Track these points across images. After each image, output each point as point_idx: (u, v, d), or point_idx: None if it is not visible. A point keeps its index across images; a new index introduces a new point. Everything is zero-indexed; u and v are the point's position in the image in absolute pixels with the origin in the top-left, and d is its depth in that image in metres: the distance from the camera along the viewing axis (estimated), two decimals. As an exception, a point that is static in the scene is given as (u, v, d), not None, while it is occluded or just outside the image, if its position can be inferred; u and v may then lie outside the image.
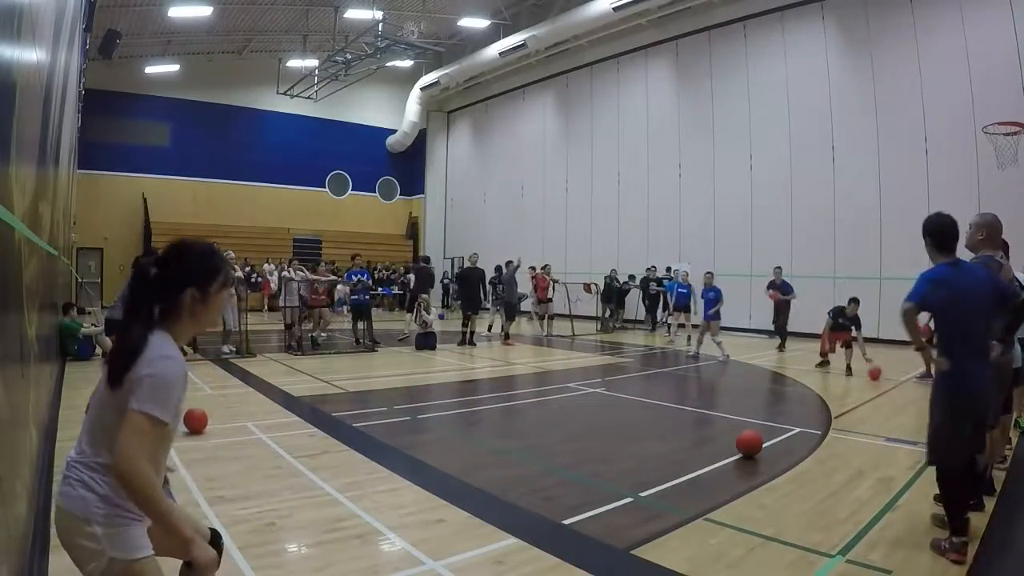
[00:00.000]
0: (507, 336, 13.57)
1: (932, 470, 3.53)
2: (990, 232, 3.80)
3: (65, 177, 8.55)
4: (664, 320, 16.14)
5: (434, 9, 20.03)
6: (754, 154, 15.94)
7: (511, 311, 14.21)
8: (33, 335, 3.70)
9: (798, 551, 3.28)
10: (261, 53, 22.67)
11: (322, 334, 12.36)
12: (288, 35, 21.28)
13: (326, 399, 7.29)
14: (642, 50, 18.85)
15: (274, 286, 18.25)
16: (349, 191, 26.80)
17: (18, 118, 2.41)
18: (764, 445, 5.11)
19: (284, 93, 21.92)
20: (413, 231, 28.07)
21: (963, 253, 3.53)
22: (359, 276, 12.41)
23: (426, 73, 24.29)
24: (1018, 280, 4.25)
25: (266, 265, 20.12)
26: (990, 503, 3.93)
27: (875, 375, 9.00)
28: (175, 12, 16.91)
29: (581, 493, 4.22)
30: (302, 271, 11.63)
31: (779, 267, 12.99)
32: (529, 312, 17.55)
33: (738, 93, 16.29)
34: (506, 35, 20.07)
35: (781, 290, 12.59)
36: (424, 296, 12.92)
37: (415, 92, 25.37)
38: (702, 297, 11.41)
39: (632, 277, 17.85)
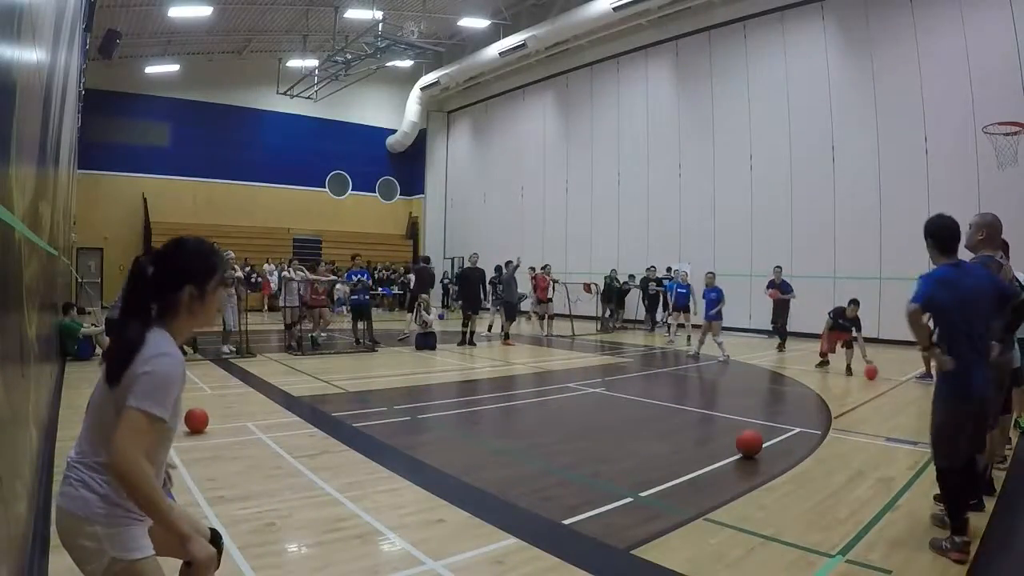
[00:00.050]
0: (507, 336, 13.57)
1: (932, 470, 3.54)
2: (990, 232, 3.80)
3: (65, 177, 8.55)
4: (664, 320, 16.14)
5: (434, 9, 20.02)
6: (754, 154, 15.94)
7: (511, 311, 14.21)
8: (33, 335, 3.70)
9: (798, 551, 3.28)
10: (261, 53, 22.67)
11: (322, 334, 12.36)
12: (288, 35, 21.28)
13: (326, 399, 7.29)
14: (642, 50, 18.85)
15: (274, 286, 18.27)
16: (349, 191, 26.80)
17: (18, 118, 2.41)
18: (764, 445, 5.11)
19: (284, 93, 21.92)
20: (413, 231, 28.07)
21: (963, 253, 3.54)
22: (359, 276, 12.40)
23: (426, 73, 24.28)
24: (1018, 280, 4.26)
25: (266, 265, 20.13)
26: (990, 503, 3.93)
27: (871, 374, 9.02)
28: (175, 12, 16.90)
29: (581, 493, 4.22)
30: (302, 271, 11.63)
31: (779, 266, 13.00)
32: (528, 312, 17.56)
33: (738, 93, 16.29)
34: (506, 35, 20.08)
35: (781, 289, 12.59)
36: (424, 296, 12.92)
37: (415, 92, 25.36)
38: (704, 297, 11.41)
39: (632, 277, 17.85)
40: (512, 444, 5.67)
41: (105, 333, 8.16)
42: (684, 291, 13.60)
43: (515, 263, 14.24)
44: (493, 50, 20.66)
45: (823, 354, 10.02)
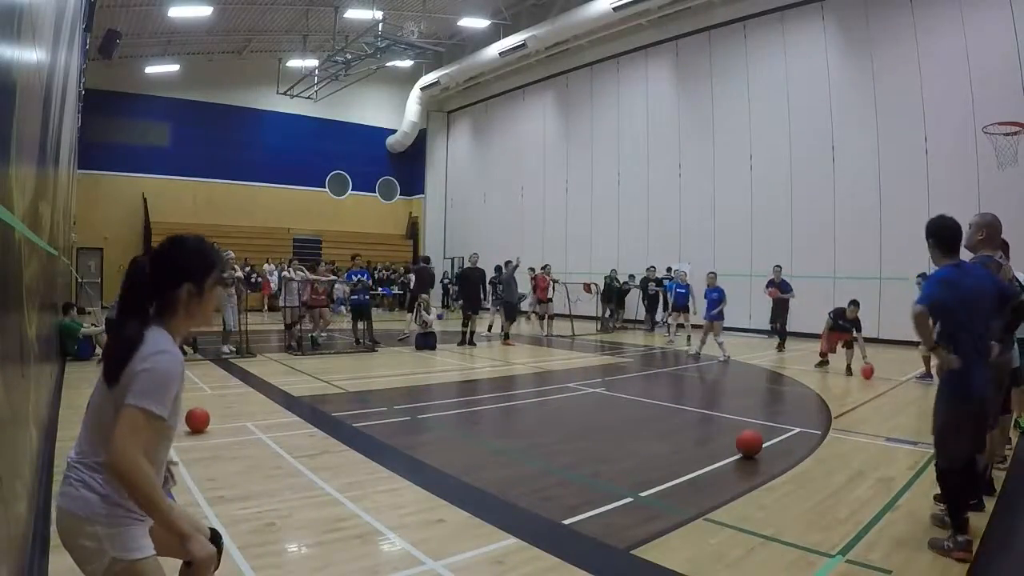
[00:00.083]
0: (507, 336, 13.57)
1: (932, 470, 3.54)
2: (990, 232, 3.81)
3: (65, 177, 8.55)
4: (664, 320, 16.15)
5: (434, 9, 20.02)
6: (754, 154, 15.94)
7: (511, 311, 14.21)
8: (33, 335, 3.70)
9: (798, 551, 3.29)
10: (261, 53, 22.67)
11: (322, 334, 12.36)
12: (288, 35, 21.28)
13: (326, 399, 7.29)
14: (642, 50, 18.85)
15: (274, 286, 18.28)
16: (349, 191, 26.80)
17: (18, 118, 2.41)
18: (764, 445, 5.11)
19: (284, 93, 21.92)
20: (413, 231, 28.07)
21: (963, 253, 3.55)
22: (359, 276, 12.40)
23: (426, 73, 24.28)
24: (1018, 280, 4.26)
25: (266, 265, 20.14)
26: (990, 503, 3.93)
27: (867, 374, 9.02)
28: (175, 12, 16.91)
29: (581, 493, 4.22)
30: (302, 271, 11.63)
31: (779, 266, 13.02)
32: (528, 312, 17.56)
33: (738, 93, 16.29)
34: (506, 35, 20.07)
35: (780, 288, 12.60)
36: (424, 296, 12.93)
37: (415, 92, 25.36)
38: (705, 297, 11.40)
39: (632, 277, 17.85)
40: (512, 444, 5.67)
41: (105, 333, 8.16)
42: (683, 291, 13.59)
43: (515, 263, 14.24)
44: (493, 50, 20.66)
45: (823, 354, 10.03)
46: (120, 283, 1.80)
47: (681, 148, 17.66)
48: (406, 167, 27.93)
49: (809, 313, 12.80)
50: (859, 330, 9.47)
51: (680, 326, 14.09)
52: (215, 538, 1.95)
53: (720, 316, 11.19)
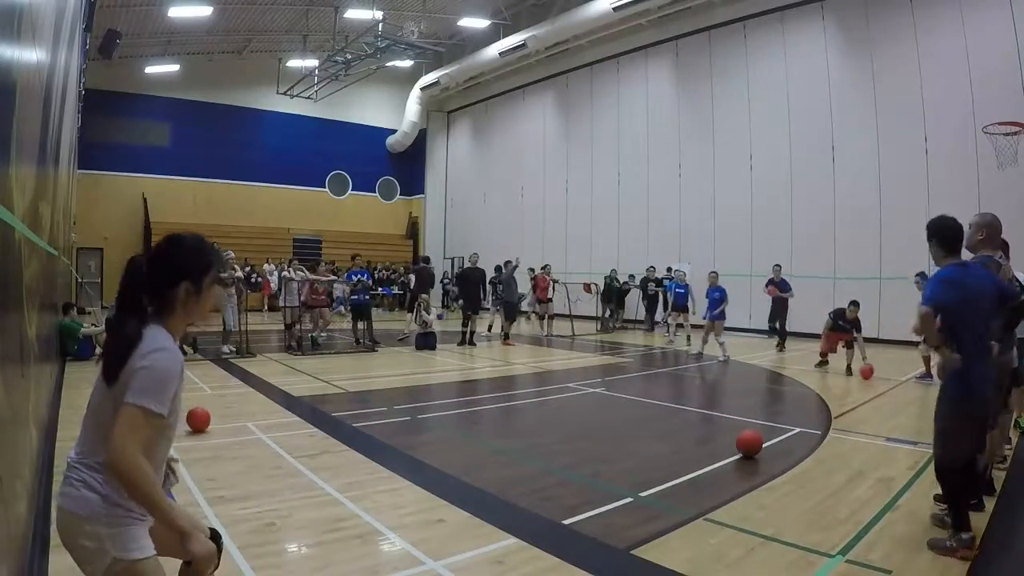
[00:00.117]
0: (507, 336, 13.57)
1: (932, 470, 3.54)
2: (990, 232, 3.81)
3: (65, 177, 8.55)
4: (665, 320, 16.15)
5: (434, 9, 20.02)
6: (754, 154, 15.94)
7: (511, 311, 14.21)
8: (33, 335, 3.70)
9: (798, 551, 3.29)
10: (261, 53, 22.67)
11: (322, 334, 12.36)
12: (288, 35, 21.28)
13: (326, 399, 7.29)
14: (642, 50, 18.85)
15: (274, 286, 18.27)
16: (349, 191, 26.80)
17: (18, 118, 2.41)
18: (764, 445, 5.11)
19: (284, 93, 21.92)
20: (413, 231, 28.07)
21: (963, 253, 3.56)
22: (359, 276, 12.40)
23: (426, 73, 24.28)
24: (1018, 280, 4.26)
25: (266, 265, 20.14)
26: (990, 503, 3.93)
27: (867, 374, 9.02)
28: (175, 12, 16.91)
29: (581, 493, 4.22)
30: (302, 271, 11.63)
31: (778, 265, 13.03)
32: (528, 312, 17.56)
33: (738, 93, 16.29)
34: (506, 35, 20.07)
35: (779, 287, 12.61)
36: (424, 296, 12.93)
37: (415, 92, 25.36)
38: (707, 296, 11.40)
39: (632, 277, 17.85)
40: (512, 444, 5.67)
41: (105, 333, 8.16)
42: (682, 291, 13.62)
43: (514, 263, 14.25)
44: (493, 50, 20.66)
45: (823, 354, 10.03)
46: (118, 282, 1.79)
47: (681, 148, 17.66)
48: (406, 167, 27.93)
49: (809, 313, 12.80)
50: (859, 331, 9.47)
51: (679, 326, 14.10)
52: (215, 537, 1.95)
53: (722, 316, 11.20)
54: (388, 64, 21.10)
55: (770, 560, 3.21)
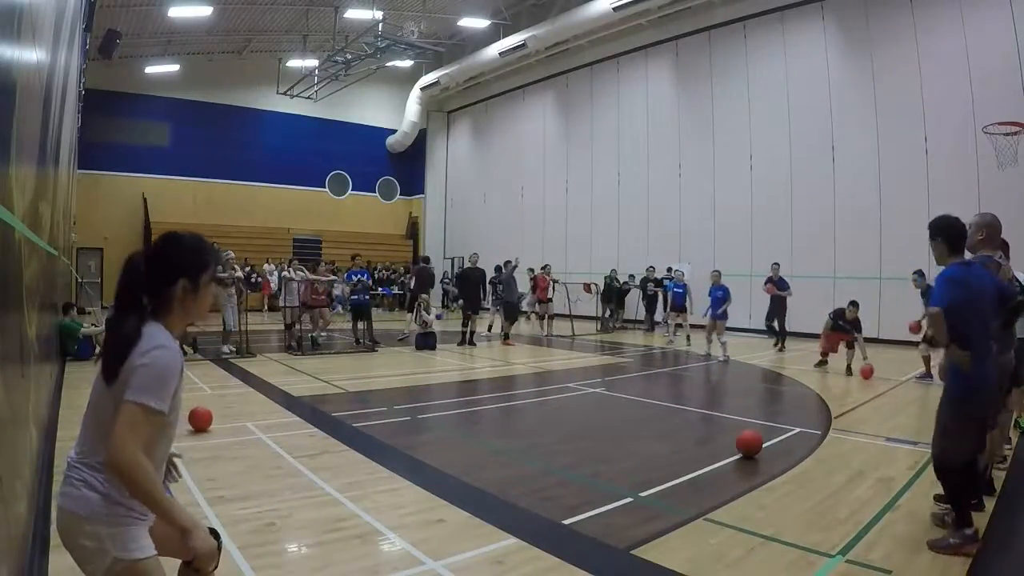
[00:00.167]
0: (507, 336, 13.56)
1: (931, 470, 3.54)
2: (990, 232, 3.81)
3: (65, 177, 8.55)
4: (665, 320, 16.15)
5: (434, 9, 20.02)
6: (754, 154, 15.94)
7: (511, 311, 14.22)
8: (33, 335, 3.70)
9: (798, 551, 3.29)
10: (261, 53, 22.67)
11: (322, 334, 12.36)
12: (288, 35, 21.28)
13: (326, 399, 7.29)
14: (642, 50, 18.85)
15: (274, 286, 18.28)
16: (349, 191, 26.80)
17: (18, 118, 2.41)
18: (764, 445, 5.11)
19: (284, 93, 21.92)
20: (413, 231, 28.07)
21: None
22: (359, 276, 12.40)
23: (426, 73, 24.28)
24: (1018, 280, 4.26)
25: (266, 265, 20.15)
26: (990, 503, 3.93)
27: (867, 374, 9.02)
28: (175, 12, 16.91)
29: (581, 493, 4.22)
30: (302, 271, 11.63)
31: (777, 263, 13.03)
32: (528, 312, 17.56)
33: (738, 93, 16.29)
34: (506, 35, 20.07)
35: (777, 286, 12.62)
36: (424, 296, 12.93)
37: (415, 92, 25.36)
38: (710, 295, 11.39)
39: (632, 277, 17.85)
40: (512, 444, 5.67)
41: (105, 332, 8.16)
42: (681, 291, 13.61)
43: (514, 263, 14.25)
44: (493, 50, 20.66)
45: (823, 354, 10.03)
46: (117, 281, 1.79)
47: (681, 148, 17.66)
48: (406, 167, 27.93)
49: (809, 313, 12.80)
50: (859, 331, 9.46)
51: (679, 326, 14.09)
52: (213, 536, 1.95)
53: (724, 315, 11.19)
54: (388, 64, 21.10)
55: (770, 560, 3.21)
